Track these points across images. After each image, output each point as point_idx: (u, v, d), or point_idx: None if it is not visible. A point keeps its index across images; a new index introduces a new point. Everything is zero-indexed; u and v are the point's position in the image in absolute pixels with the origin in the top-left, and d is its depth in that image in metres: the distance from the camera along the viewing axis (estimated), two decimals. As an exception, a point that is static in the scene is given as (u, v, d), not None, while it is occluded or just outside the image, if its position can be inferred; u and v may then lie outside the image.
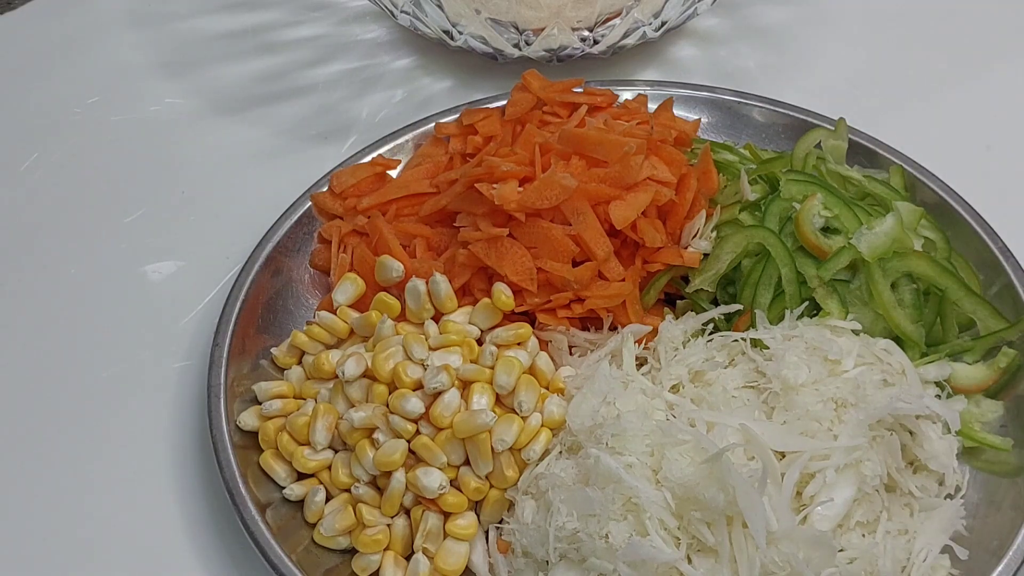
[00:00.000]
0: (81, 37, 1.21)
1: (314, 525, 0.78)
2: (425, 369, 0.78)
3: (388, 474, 0.76)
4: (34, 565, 0.81)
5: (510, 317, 0.83)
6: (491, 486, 0.77)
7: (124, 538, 0.82)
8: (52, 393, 0.90)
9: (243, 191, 1.04)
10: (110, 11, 1.24)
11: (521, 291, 0.83)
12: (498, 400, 0.78)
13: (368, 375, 0.79)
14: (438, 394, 0.77)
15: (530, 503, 0.75)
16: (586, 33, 1.06)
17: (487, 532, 0.78)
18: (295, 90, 1.14)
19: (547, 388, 0.81)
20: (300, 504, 0.79)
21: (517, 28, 1.05)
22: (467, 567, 0.76)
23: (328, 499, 0.79)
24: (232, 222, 1.01)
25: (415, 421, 0.77)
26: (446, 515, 0.77)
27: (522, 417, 0.77)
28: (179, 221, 1.03)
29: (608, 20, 1.06)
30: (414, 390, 0.77)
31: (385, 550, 0.76)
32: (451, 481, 0.76)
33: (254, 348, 0.86)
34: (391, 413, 0.77)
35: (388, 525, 0.77)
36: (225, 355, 0.83)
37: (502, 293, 0.82)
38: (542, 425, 0.78)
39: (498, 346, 0.80)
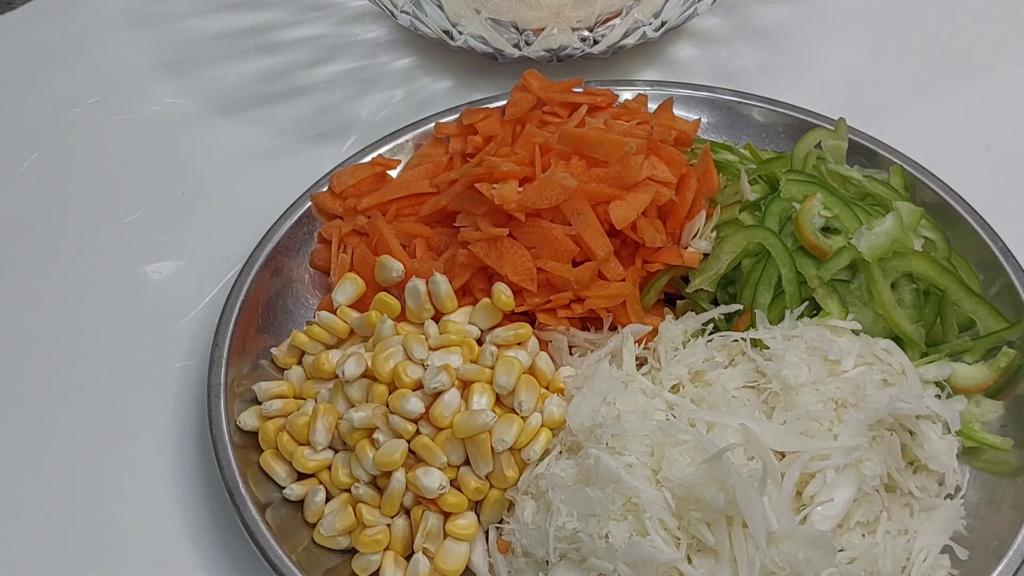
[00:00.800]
0: (81, 37, 1.21)
1: (314, 525, 0.78)
2: (425, 369, 0.78)
3: (388, 474, 0.76)
4: (33, 565, 0.81)
5: (510, 317, 0.83)
6: (491, 486, 0.77)
7: (124, 538, 0.82)
8: (52, 393, 0.90)
9: (243, 191, 1.04)
10: (110, 11, 1.24)
11: (521, 291, 0.83)
12: (498, 400, 0.78)
13: (368, 375, 0.79)
14: (438, 394, 0.77)
15: (530, 503, 0.75)
16: (586, 33, 1.06)
17: (487, 532, 0.78)
18: (295, 90, 1.14)
19: (547, 388, 0.81)
20: (300, 504, 0.79)
21: (517, 28, 1.05)
22: (467, 567, 0.76)
23: (328, 499, 0.79)
24: (232, 222, 1.01)
25: (415, 421, 0.77)
26: (446, 515, 0.77)
27: (522, 417, 0.77)
28: (179, 221, 1.03)
29: (608, 20, 1.06)
30: (414, 390, 0.77)
31: (385, 550, 0.76)
32: (451, 481, 0.76)
33: (254, 348, 0.86)
34: (391, 413, 0.77)
35: (388, 525, 0.77)
36: (225, 355, 0.83)
37: (502, 293, 0.82)
38: (542, 425, 0.78)
39: (498, 346, 0.80)
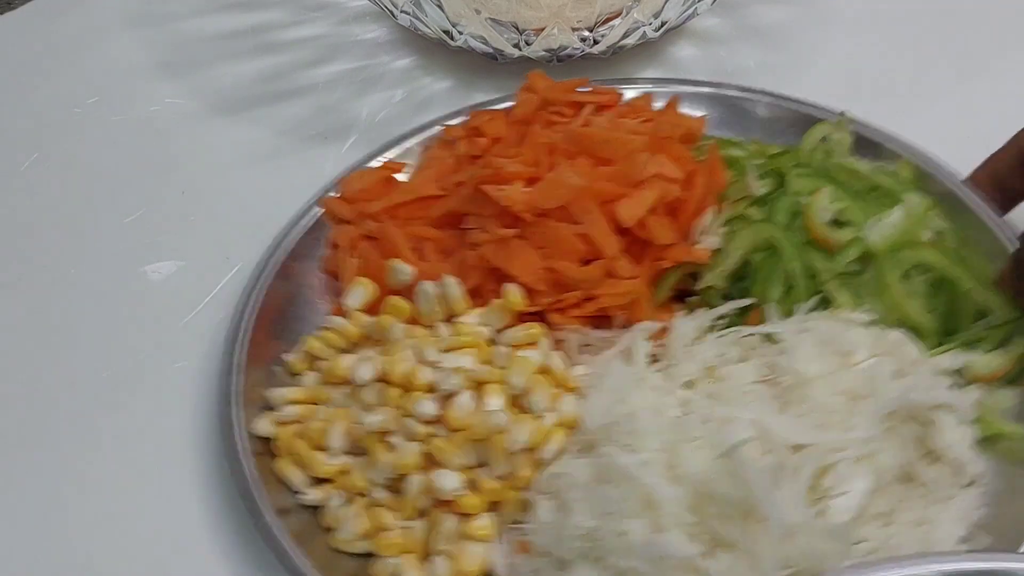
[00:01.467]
0: (81, 37, 1.21)
1: (332, 530, 0.77)
2: (438, 371, 0.78)
3: (404, 477, 0.76)
4: (32, 572, 0.80)
5: (521, 318, 0.83)
6: (507, 487, 0.77)
7: (123, 540, 0.81)
8: (51, 393, 0.90)
9: (243, 191, 1.04)
10: (110, 11, 1.24)
11: (532, 291, 0.83)
12: (512, 401, 0.78)
13: (382, 379, 0.79)
14: (451, 396, 0.77)
15: (547, 503, 0.75)
16: (586, 33, 1.06)
17: (505, 533, 0.77)
18: (295, 90, 1.14)
19: (561, 387, 0.81)
20: (317, 510, 0.79)
21: (517, 28, 1.05)
22: (486, 568, 0.76)
23: (345, 504, 0.78)
24: (232, 222, 1.01)
25: (429, 423, 0.77)
26: (464, 517, 0.76)
27: (536, 417, 0.77)
28: (179, 221, 1.03)
29: (608, 20, 1.06)
30: (427, 392, 0.77)
31: (404, 553, 0.76)
32: (467, 482, 0.76)
33: (266, 355, 0.86)
34: (405, 416, 0.77)
35: (406, 528, 0.77)
36: (239, 362, 0.83)
37: (513, 294, 0.82)
38: (556, 424, 0.78)
39: (510, 347, 0.80)
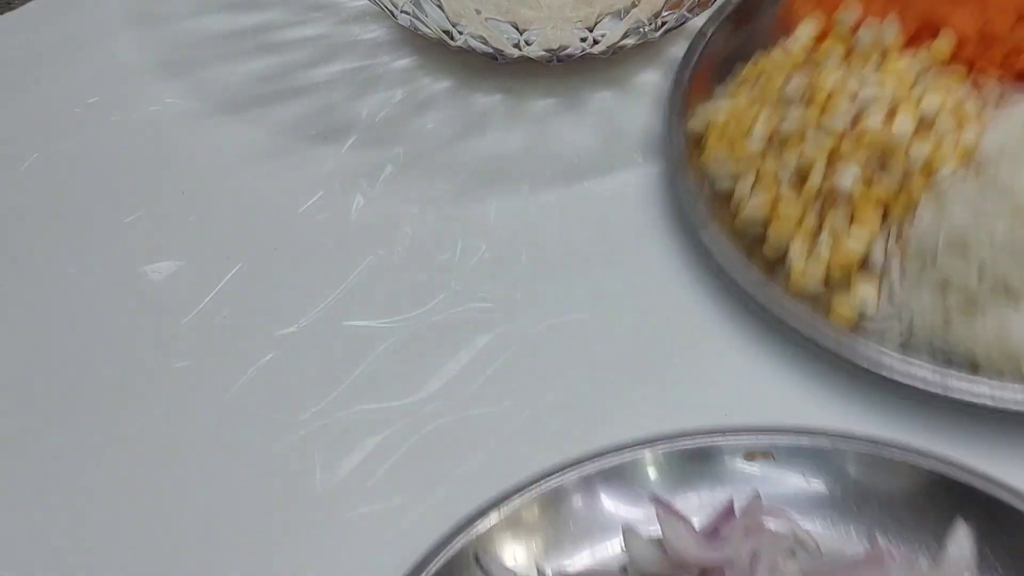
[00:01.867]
0: (81, 37, 1.21)
1: (738, 213, 0.89)
2: (861, 87, 0.87)
3: (808, 175, 0.86)
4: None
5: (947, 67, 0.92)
6: (898, 194, 0.85)
7: (121, 542, 0.81)
8: (49, 393, 0.90)
9: (243, 191, 1.04)
10: (110, 11, 1.24)
11: (961, 43, 0.91)
12: (920, 123, 0.86)
13: (807, 98, 0.89)
14: (865, 113, 0.85)
15: (930, 208, 0.83)
16: (586, 33, 1.06)
17: (888, 232, 0.85)
18: (295, 90, 1.14)
19: (968, 122, 0.88)
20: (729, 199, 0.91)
21: (517, 28, 1.05)
22: (863, 254, 0.84)
23: (754, 189, 0.89)
24: (232, 222, 1.01)
25: (841, 131, 0.86)
26: (853, 212, 0.85)
27: (938, 140, 0.85)
28: (179, 221, 1.03)
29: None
30: (845, 105, 0.87)
31: (794, 232, 0.86)
32: (863, 185, 0.85)
33: (708, 88, 0.99)
34: (820, 125, 0.87)
35: (802, 214, 0.86)
36: (685, 79, 0.99)
37: (942, 43, 0.91)
38: (955, 149, 0.85)
39: (930, 83, 0.89)
